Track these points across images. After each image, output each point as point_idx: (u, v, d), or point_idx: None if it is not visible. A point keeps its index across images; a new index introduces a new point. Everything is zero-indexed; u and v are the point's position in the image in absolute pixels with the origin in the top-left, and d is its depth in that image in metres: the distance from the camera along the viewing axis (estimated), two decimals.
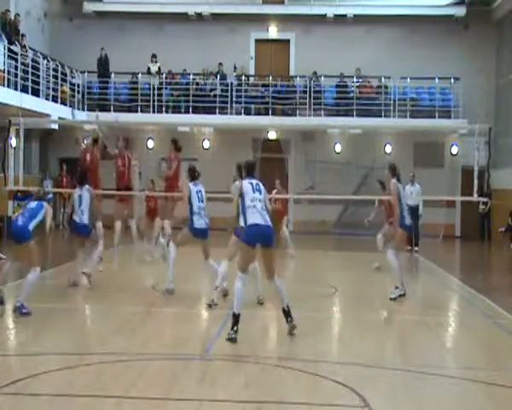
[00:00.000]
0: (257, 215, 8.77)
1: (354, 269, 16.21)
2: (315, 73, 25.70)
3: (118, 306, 11.34)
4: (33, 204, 10.49)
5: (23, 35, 21.33)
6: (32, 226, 10.13)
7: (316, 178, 24.85)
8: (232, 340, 8.49)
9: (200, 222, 11.54)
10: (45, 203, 10.58)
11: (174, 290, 11.94)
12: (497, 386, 7.09)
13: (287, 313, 8.89)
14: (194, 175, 11.65)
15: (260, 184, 9.10)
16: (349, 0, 26.64)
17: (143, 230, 16.44)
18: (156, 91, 25.21)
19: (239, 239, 9.93)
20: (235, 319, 8.62)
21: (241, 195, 8.98)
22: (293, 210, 25.55)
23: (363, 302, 12.05)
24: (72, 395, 6.50)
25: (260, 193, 8.96)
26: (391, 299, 11.71)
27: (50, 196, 24.78)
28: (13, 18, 21.11)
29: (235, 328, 8.57)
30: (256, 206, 8.82)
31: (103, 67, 25.70)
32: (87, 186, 12.88)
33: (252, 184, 9.01)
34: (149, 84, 25.37)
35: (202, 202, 11.57)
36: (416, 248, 19.51)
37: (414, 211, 18.95)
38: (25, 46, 21.08)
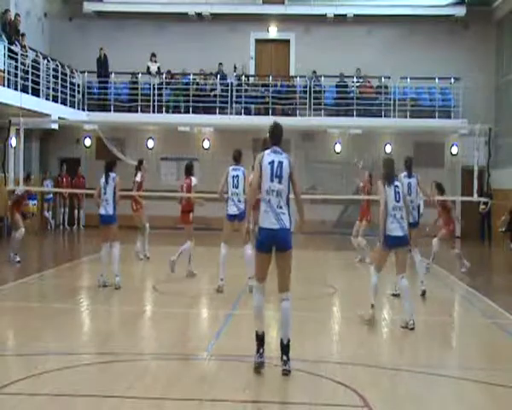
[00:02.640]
0: (270, 215, 7.25)
1: (354, 269, 16.21)
2: (314, 72, 25.71)
3: (118, 306, 11.35)
4: None
5: (23, 35, 21.34)
6: None
7: (316, 178, 24.83)
8: (259, 365, 7.26)
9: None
10: None
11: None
12: (497, 386, 7.09)
13: (284, 349, 7.31)
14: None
15: (284, 163, 7.31)
16: (349, 0, 26.64)
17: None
18: (156, 91, 25.22)
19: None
20: (259, 339, 7.35)
21: (261, 174, 7.30)
22: (293, 210, 25.53)
23: (363, 302, 12.04)
24: (73, 395, 6.51)
25: (280, 181, 7.24)
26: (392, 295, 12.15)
27: (50, 195, 24.91)
28: (13, 18, 21.11)
29: (260, 350, 7.32)
30: (271, 202, 7.24)
31: (102, 67, 25.71)
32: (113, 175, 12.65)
33: (273, 164, 7.28)
34: (149, 84, 25.38)
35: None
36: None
37: None
38: (25, 46, 21.08)
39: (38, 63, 21.64)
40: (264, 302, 7.41)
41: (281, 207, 7.25)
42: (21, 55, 20.22)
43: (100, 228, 12.73)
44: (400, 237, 9.59)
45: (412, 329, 9.48)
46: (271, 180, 7.26)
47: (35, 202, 22.25)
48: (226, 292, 12.19)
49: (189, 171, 13.96)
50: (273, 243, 7.26)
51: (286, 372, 7.17)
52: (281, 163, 7.30)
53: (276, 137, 7.48)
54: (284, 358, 7.24)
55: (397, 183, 9.82)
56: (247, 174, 11.90)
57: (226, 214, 12.16)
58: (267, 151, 7.38)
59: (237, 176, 12.05)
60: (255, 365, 7.22)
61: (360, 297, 12.46)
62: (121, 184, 12.68)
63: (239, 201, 12.05)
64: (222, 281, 12.18)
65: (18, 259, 15.48)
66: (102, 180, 12.49)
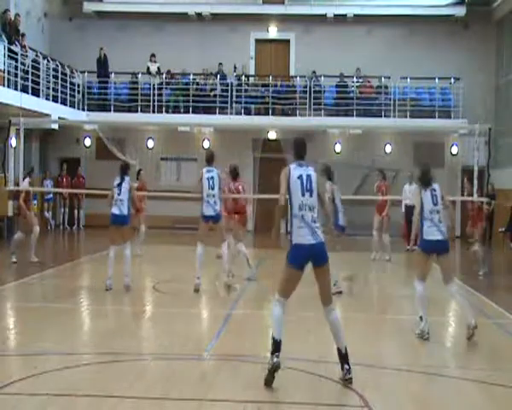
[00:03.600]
0: (306, 231, 6.98)
1: (354, 269, 16.18)
2: (314, 72, 25.70)
3: (118, 306, 11.35)
4: None
5: (23, 35, 21.31)
6: None
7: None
8: (275, 367, 6.89)
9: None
10: None
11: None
12: (497, 386, 7.09)
13: (344, 358, 7.17)
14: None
15: (312, 175, 7.14)
16: (349, 0, 26.64)
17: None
18: (156, 91, 25.21)
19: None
20: (276, 345, 6.99)
21: (289, 188, 7.08)
22: None
23: (363, 302, 12.05)
24: (73, 395, 6.51)
25: (311, 194, 7.07)
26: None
27: (50, 195, 24.91)
28: (13, 18, 21.07)
29: (276, 353, 6.93)
30: (305, 217, 7.00)
31: (102, 66, 25.69)
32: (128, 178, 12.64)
33: (302, 178, 7.08)
34: (149, 84, 25.37)
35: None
36: (415, 248, 19.45)
37: (412, 210, 18.97)
38: (25, 46, 21.06)
39: (38, 63, 21.63)
40: (283, 315, 7.12)
41: (315, 222, 7.04)
42: (21, 55, 20.20)
43: (110, 228, 12.51)
44: (440, 241, 9.20)
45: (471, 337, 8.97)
46: (303, 195, 7.04)
47: (35, 201, 22.24)
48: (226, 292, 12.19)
49: (237, 173, 14.11)
50: (310, 259, 7.03)
51: (350, 381, 6.98)
52: (309, 176, 7.12)
53: (300, 151, 7.31)
54: (346, 366, 7.05)
55: (434, 185, 9.54)
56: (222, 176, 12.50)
57: (202, 215, 12.24)
58: (292, 165, 7.18)
59: (212, 177, 12.21)
60: (271, 366, 6.83)
61: (361, 297, 12.47)
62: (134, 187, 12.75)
63: (215, 202, 12.16)
64: (198, 279, 12.24)
65: (14, 259, 15.41)
66: (116, 182, 12.43)
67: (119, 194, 12.38)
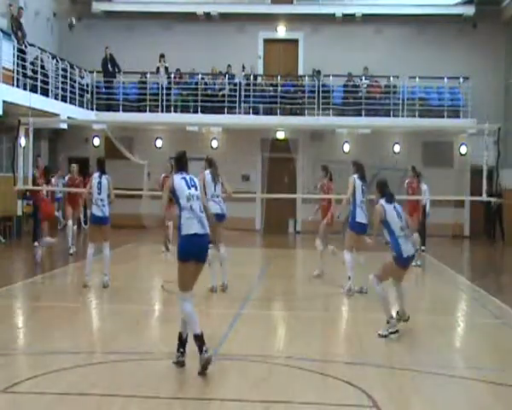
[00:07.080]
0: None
1: (362, 269, 16.15)
2: (318, 71, 25.63)
3: (127, 305, 11.36)
4: None
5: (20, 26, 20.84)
6: None
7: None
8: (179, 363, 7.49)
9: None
10: None
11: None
12: (506, 386, 7.07)
13: None
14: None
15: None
16: None
17: None
18: (165, 91, 25.24)
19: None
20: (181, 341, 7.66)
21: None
22: (301, 210, 25.53)
23: (372, 302, 12.02)
24: (82, 394, 6.52)
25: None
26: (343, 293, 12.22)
27: (60, 195, 24.90)
28: (15, 13, 20.64)
29: (181, 350, 7.59)
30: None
31: (110, 65, 25.65)
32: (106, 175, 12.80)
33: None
34: (158, 84, 25.38)
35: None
36: (423, 248, 19.44)
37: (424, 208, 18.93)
38: (24, 42, 20.77)
39: (43, 61, 21.53)
40: None
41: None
42: (21, 49, 19.87)
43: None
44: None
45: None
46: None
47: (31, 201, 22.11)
48: (234, 292, 12.18)
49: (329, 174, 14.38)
50: None
51: None
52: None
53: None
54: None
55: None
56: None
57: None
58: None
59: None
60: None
61: (368, 297, 12.45)
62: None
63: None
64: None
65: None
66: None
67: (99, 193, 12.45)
